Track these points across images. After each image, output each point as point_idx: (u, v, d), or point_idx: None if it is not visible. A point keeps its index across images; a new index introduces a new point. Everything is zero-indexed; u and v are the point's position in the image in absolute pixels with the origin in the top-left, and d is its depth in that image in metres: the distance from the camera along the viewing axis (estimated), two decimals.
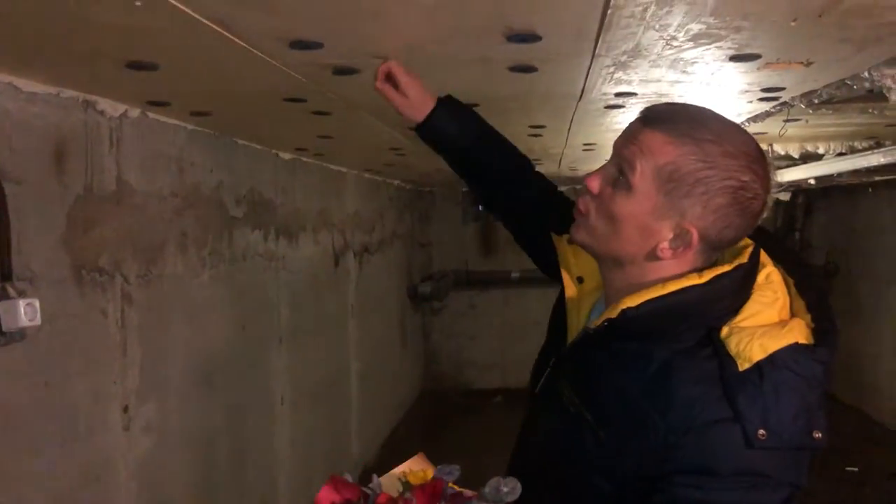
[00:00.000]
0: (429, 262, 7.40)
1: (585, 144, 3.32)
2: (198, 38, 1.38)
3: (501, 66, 1.63)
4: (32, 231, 1.83)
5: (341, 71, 1.68)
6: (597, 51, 1.50)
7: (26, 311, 1.68)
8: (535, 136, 2.93)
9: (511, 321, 7.21)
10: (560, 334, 1.22)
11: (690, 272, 1.03)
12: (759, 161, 0.99)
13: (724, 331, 0.99)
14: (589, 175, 1.06)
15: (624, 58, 1.56)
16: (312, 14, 1.26)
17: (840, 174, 3.16)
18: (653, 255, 1.03)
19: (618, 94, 2.03)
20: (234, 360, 3.05)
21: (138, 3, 1.18)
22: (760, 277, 1.04)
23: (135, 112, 2.27)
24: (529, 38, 1.38)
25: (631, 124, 1.06)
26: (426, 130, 1.48)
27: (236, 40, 1.40)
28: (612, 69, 1.68)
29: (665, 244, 1.02)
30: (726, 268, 1.02)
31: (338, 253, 4.63)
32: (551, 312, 1.31)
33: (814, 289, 1.05)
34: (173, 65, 1.63)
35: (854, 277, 6.09)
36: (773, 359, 0.95)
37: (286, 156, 3.64)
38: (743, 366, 0.95)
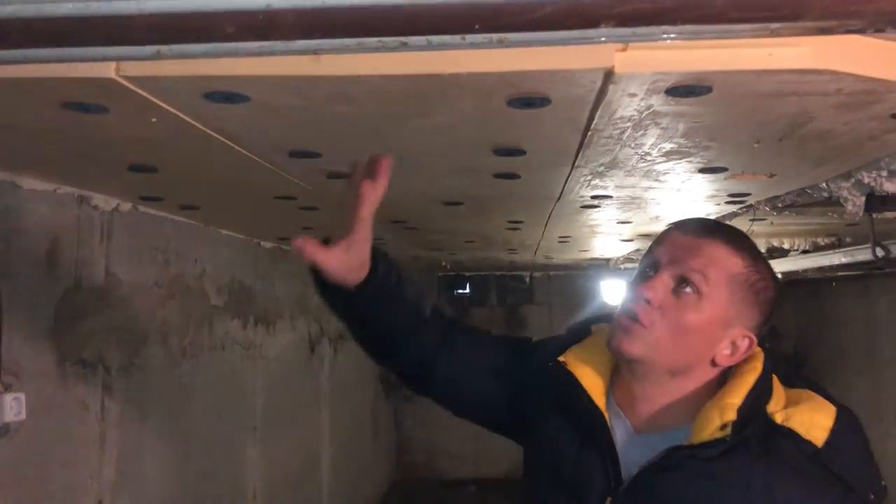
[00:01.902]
0: None
1: (561, 237, 3.44)
2: (203, 148, 1.46)
3: (487, 174, 1.73)
4: (22, 324, 1.84)
5: (335, 175, 1.76)
6: (576, 163, 1.61)
7: (12, 406, 1.68)
8: (514, 229, 3.04)
9: None
10: (576, 468, 1.08)
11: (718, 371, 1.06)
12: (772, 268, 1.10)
13: (779, 416, 0.98)
14: (644, 285, 1.02)
15: (601, 168, 1.67)
16: (315, 130, 1.35)
17: (805, 270, 3.30)
18: (710, 363, 1.04)
19: (594, 197, 2.15)
20: (208, 451, 3.01)
21: (154, 120, 1.26)
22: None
23: (126, 206, 2.33)
24: (515, 152, 1.48)
25: (674, 233, 1.07)
26: (375, 293, 1.11)
27: (241, 150, 1.48)
28: (589, 177, 1.79)
29: (726, 351, 1.03)
30: (759, 350, 1.06)
31: (314, 340, 4.63)
32: (540, 451, 1.17)
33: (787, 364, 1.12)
34: (173, 168, 1.71)
35: (821, 368, 6.20)
36: (836, 429, 0.97)
37: (267, 245, 3.70)
38: (819, 443, 0.96)
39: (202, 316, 2.98)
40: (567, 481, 1.08)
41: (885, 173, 1.60)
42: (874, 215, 2.35)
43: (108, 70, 1.03)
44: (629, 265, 4.92)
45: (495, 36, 0.63)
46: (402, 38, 0.62)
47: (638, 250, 4.15)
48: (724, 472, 0.96)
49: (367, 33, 0.63)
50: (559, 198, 2.16)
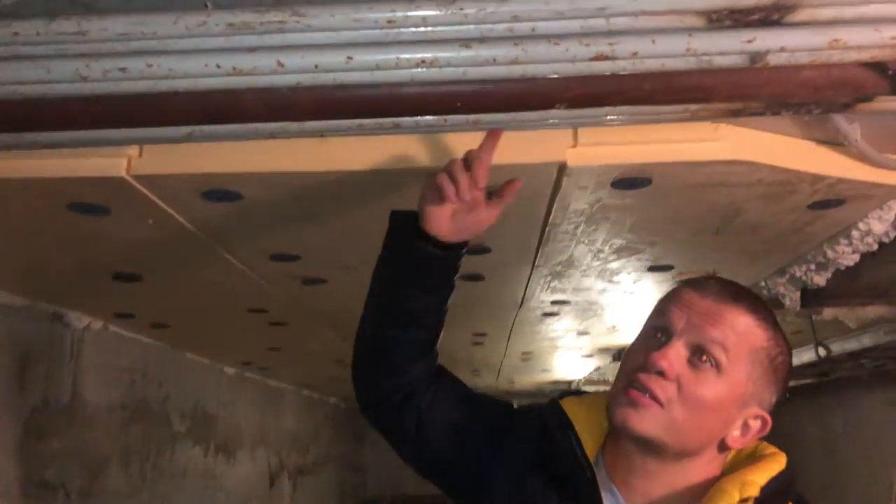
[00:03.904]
0: (363, 485, 7.15)
1: (524, 353, 3.54)
2: (190, 251, 1.56)
3: None
4: None
5: (310, 281, 1.86)
6: (536, 262, 1.74)
7: None
8: (478, 343, 3.13)
9: None
10: None
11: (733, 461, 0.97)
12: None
13: None
14: (658, 353, 0.89)
15: (559, 268, 1.82)
16: (296, 235, 1.47)
17: None
18: (720, 445, 0.93)
19: (553, 303, 2.28)
20: None
21: (151, 222, 1.36)
22: None
23: (98, 324, 2.36)
24: (481, 250, 1.62)
25: (690, 294, 0.93)
26: (438, 256, 1.04)
27: (225, 255, 1.59)
28: (549, 278, 1.93)
29: (737, 433, 0.92)
30: (777, 450, 0.97)
31: (273, 474, 4.51)
32: None
33: None
34: (156, 276, 1.79)
35: None
36: None
37: (230, 370, 3.69)
38: None
39: (164, 441, 2.94)
40: None
41: (812, 266, 1.78)
42: (814, 317, 2.53)
43: (118, 168, 1.14)
44: (590, 387, 5.00)
45: (472, 117, 0.77)
46: (395, 120, 0.76)
47: (598, 369, 4.26)
48: None
49: (365, 114, 0.77)
50: (521, 304, 2.29)
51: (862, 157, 1.24)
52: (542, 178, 1.21)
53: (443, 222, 1.00)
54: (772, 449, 0.96)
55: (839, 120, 1.11)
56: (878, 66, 0.74)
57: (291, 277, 1.83)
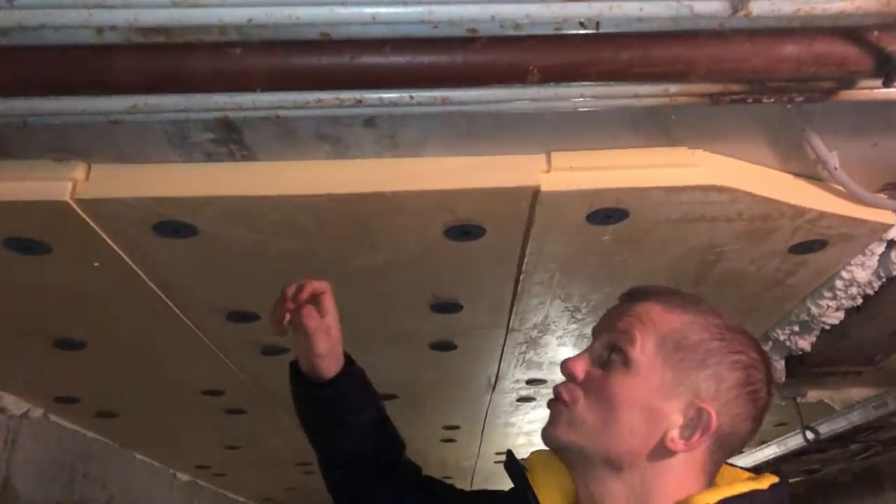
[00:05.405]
0: None
1: (497, 454, 3.35)
2: (139, 308, 1.45)
3: (424, 343, 1.76)
4: None
5: (270, 351, 1.75)
6: (510, 323, 1.66)
7: None
8: (450, 440, 2.96)
9: None
10: None
11: (705, 481, 0.84)
12: (757, 342, 0.87)
13: None
14: (569, 359, 0.87)
15: (535, 332, 1.73)
16: (257, 276, 1.38)
17: None
18: (659, 450, 0.82)
19: (529, 382, 2.17)
20: None
21: (97, 264, 1.27)
22: None
23: (37, 412, 2.18)
24: (452, 307, 1.54)
25: (615, 307, 0.92)
26: (342, 390, 1.06)
27: (178, 313, 1.48)
28: (524, 347, 1.84)
29: (675, 432, 0.82)
30: (774, 479, 0.84)
31: None
32: None
33: None
34: (101, 342, 1.66)
35: None
36: None
37: (184, 477, 3.43)
38: None
39: None
40: None
41: (796, 328, 1.72)
42: (798, 400, 2.45)
43: (62, 192, 1.06)
44: None
45: (439, 94, 0.72)
46: (358, 94, 0.70)
47: None
48: None
49: (323, 86, 0.71)
50: (495, 384, 2.17)
51: (840, 190, 1.21)
52: (515, 207, 1.16)
53: (322, 342, 0.98)
54: (771, 476, 0.83)
55: (817, 143, 1.08)
56: (857, 38, 0.71)
57: (250, 344, 1.71)
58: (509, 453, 0.96)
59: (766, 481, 0.83)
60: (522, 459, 0.95)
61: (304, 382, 1.02)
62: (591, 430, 0.83)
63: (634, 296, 0.90)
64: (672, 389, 0.82)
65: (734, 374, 0.82)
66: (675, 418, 0.82)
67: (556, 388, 0.87)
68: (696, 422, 0.81)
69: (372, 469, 1.05)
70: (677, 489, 0.81)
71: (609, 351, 0.85)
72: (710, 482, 0.84)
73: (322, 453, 1.08)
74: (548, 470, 0.91)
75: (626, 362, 0.83)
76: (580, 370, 0.85)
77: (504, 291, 1.49)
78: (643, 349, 0.83)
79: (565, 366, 0.86)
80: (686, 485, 0.82)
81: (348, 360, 1.05)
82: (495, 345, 1.82)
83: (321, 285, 0.99)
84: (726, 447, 0.84)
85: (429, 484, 1.09)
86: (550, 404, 0.87)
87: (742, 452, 3.61)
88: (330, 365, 1.00)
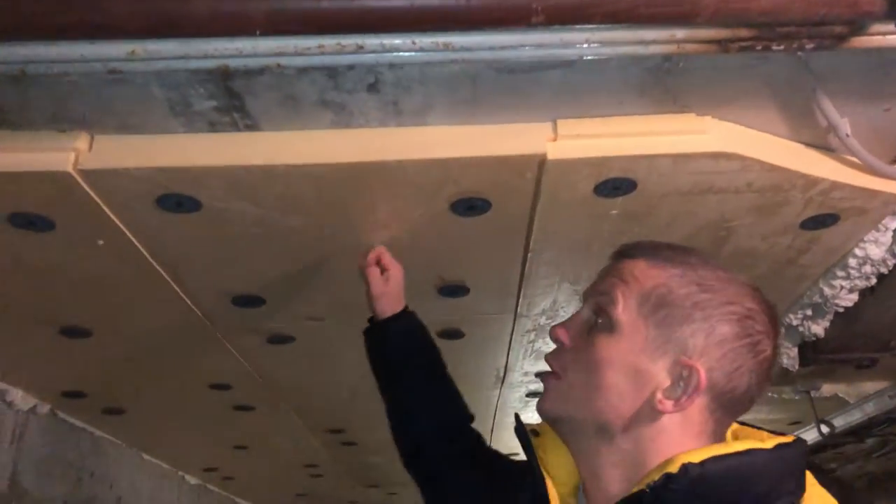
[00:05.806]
0: None
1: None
2: (145, 292, 1.45)
3: (432, 331, 1.74)
4: None
5: (277, 339, 1.73)
6: (518, 309, 1.64)
7: None
8: None
9: None
10: None
11: (707, 442, 0.79)
12: (759, 292, 0.81)
13: None
14: (557, 325, 0.85)
15: (543, 319, 1.71)
16: (262, 257, 1.37)
17: None
18: (649, 413, 0.78)
19: (538, 375, 2.14)
20: None
21: (101, 242, 1.26)
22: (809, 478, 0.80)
23: (44, 408, 2.17)
24: (459, 290, 1.52)
25: (604, 267, 0.88)
26: (390, 331, 1.24)
27: (184, 298, 1.47)
28: (532, 335, 1.81)
29: (662, 393, 0.78)
30: (787, 438, 0.78)
31: None
32: None
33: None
34: (106, 329, 1.65)
35: None
36: None
37: (192, 480, 3.41)
38: None
39: None
40: None
41: (809, 312, 1.69)
42: (813, 393, 2.41)
43: (65, 162, 1.06)
44: None
45: (441, 40, 0.71)
46: (359, 40, 0.70)
47: None
48: None
49: (324, 30, 0.70)
50: (504, 377, 2.15)
51: (852, 161, 1.19)
52: (521, 178, 1.14)
53: (383, 300, 1.24)
54: (784, 437, 0.77)
55: (828, 107, 1.07)
56: None
57: (257, 332, 1.70)
58: (517, 417, 0.91)
59: (772, 441, 0.77)
60: (536, 425, 0.91)
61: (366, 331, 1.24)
62: (580, 398, 0.80)
63: (622, 253, 0.86)
64: (658, 348, 0.79)
65: (726, 326, 0.77)
66: (662, 378, 0.78)
67: (546, 358, 0.85)
68: (683, 381, 0.77)
69: (437, 437, 1.14)
70: (673, 452, 0.75)
71: (594, 314, 0.82)
72: (716, 443, 0.78)
73: (390, 418, 1.20)
74: (556, 438, 0.87)
75: (610, 324, 0.80)
76: (567, 336, 0.83)
77: (511, 273, 1.47)
78: (625, 309, 0.80)
79: (553, 332, 0.84)
80: (684, 447, 0.76)
81: (404, 309, 1.26)
82: (503, 333, 1.80)
83: (379, 249, 1.27)
84: (727, 406, 0.79)
85: (490, 459, 1.16)
86: (542, 376, 0.85)
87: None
88: (385, 307, 1.24)
